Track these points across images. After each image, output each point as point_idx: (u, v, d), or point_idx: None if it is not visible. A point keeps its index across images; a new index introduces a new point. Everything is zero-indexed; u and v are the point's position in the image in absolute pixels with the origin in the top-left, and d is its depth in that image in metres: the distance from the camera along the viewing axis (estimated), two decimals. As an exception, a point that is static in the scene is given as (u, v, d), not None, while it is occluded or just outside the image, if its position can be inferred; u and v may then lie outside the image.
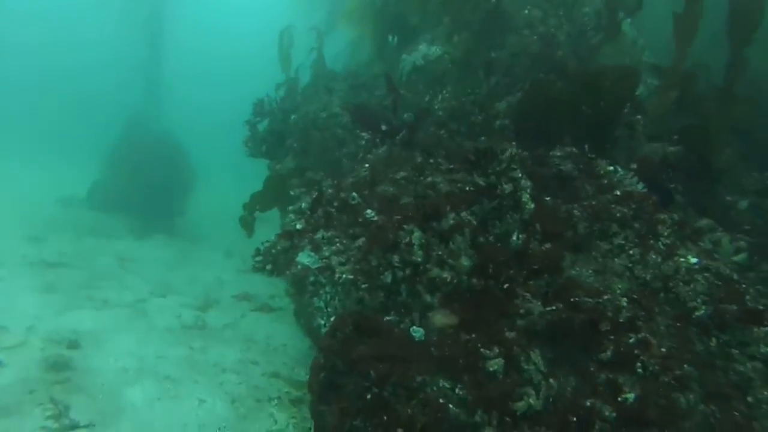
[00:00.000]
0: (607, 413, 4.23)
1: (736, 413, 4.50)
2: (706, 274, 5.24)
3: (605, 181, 5.91)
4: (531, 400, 4.14)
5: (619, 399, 4.39)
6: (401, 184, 5.89)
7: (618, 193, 5.79)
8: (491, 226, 5.11)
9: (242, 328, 9.75)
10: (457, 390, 4.26)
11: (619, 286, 5.17)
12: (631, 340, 4.69)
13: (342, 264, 5.05)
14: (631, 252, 5.35)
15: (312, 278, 5.42)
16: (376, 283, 4.82)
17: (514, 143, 5.93)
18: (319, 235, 5.46)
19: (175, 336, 8.89)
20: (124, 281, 10.91)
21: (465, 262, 4.67)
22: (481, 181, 5.15)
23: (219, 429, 6.52)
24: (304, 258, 5.51)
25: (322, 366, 4.53)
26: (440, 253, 4.75)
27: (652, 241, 5.51)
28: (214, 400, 7.07)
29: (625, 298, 4.99)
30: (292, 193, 8.41)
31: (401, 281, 4.81)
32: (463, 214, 4.94)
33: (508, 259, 4.87)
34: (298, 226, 5.83)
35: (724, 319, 5.09)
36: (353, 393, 4.24)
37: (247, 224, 8.60)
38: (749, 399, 4.62)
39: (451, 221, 4.88)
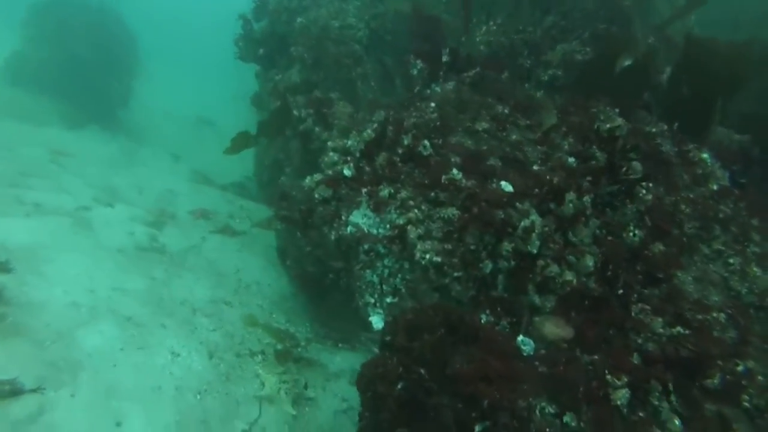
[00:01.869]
0: (727, 460, 3.46)
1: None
2: (802, 293, 4.52)
3: (699, 171, 4.95)
4: (661, 446, 3.25)
5: (730, 438, 3.63)
6: (481, 137, 4.55)
7: (715, 187, 4.87)
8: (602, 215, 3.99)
9: (206, 255, 8.17)
10: (572, 422, 3.27)
11: (715, 299, 4.34)
12: (739, 368, 3.90)
13: (421, 238, 3.74)
14: (730, 260, 4.50)
15: (367, 246, 4.07)
16: (472, 273, 3.59)
17: (618, 113, 4.75)
18: (384, 192, 4.07)
19: (131, 260, 7.19)
20: (59, 181, 8.78)
21: (588, 261, 3.55)
22: (602, 158, 3.96)
23: (199, 393, 5.22)
24: (360, 218, 4.13)
25: (399, 375, 3.33)
26: (559, 245, 3.58)
27: (745, 248, 4.71)
28: (189, 353, 5.68)
29: (722, 314, 4.17)
30: (296, 113, 6.75)
31: (500, 273, 3.62)
32: (585, 198, 3.76)
33: (624, 259, 3.82)
34: (347, 172, 4.36)
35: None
36: (453, 420, 3.11)
37: (241, 144, 6.87)
38: None
39: (572, 207, 3.69)
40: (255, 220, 10.16)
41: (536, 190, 3.69)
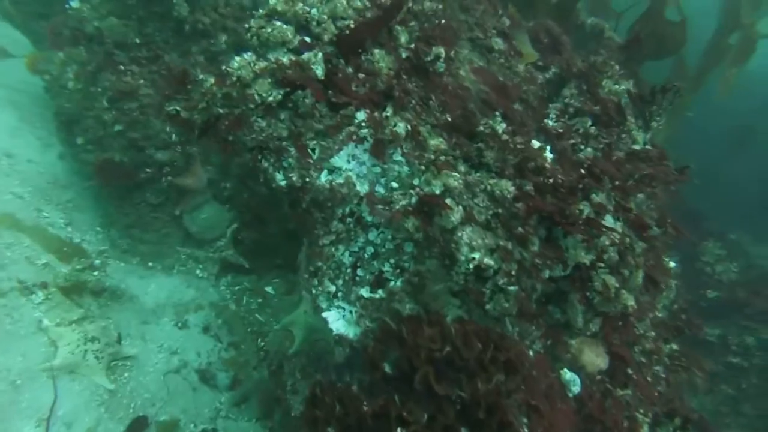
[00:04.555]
0: None
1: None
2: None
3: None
4: None
5: None
6: (494, 60, 3.10)
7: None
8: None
9: None
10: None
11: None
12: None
13: (463, 223, 2.32)
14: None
15: (349, 207, 2.41)
16: (526, 283, 2.39)
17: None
18: (398, 126, 2.39)
19: None
20: None
21: (639, 277, 2.73)
22: (641, 140, 3.04)
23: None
24: (346, 161, 2.39)
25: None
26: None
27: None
28: None
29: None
30: None
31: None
32: (640, 196, 2.84)
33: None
34: (318, 70, 2.45)
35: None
36: None
37: None
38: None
39: (634, 208, 2.74)
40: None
41: (606, 178, 2.58)
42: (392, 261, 2.50)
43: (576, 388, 2.48)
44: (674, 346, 3.17)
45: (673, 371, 2.97)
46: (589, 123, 3.19)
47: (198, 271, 5.10)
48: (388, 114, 2.41)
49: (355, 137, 2.33)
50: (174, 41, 4.73)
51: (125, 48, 4.53)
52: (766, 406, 5.51)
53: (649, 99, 2.98)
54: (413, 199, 2.35)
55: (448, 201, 2.28)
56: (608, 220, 2.48)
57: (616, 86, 3.33)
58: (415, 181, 2.37)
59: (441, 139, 2.37)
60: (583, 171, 2.56)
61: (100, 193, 4.91)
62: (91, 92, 4.46)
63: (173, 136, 4.76)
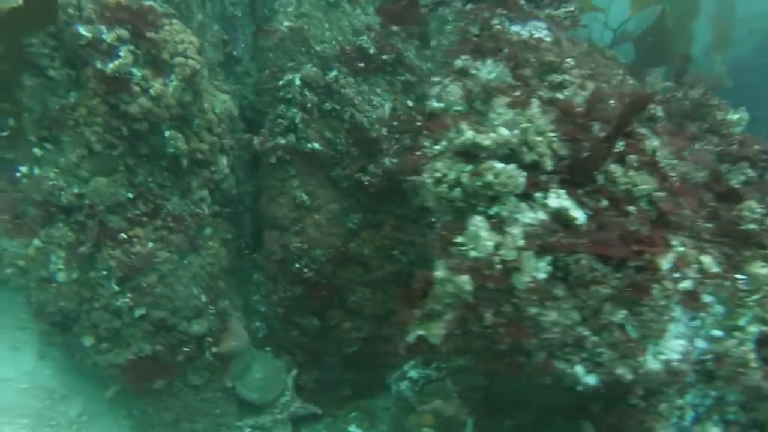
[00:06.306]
0: None
1: None
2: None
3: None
4: None
5: None
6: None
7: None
8: None
9: None
10: None
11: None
12: None
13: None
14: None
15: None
16: None
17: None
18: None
19: None
20: None
21: None
22: None
23: None
24: (680, 339, 1.80)
25: None
26: None
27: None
28: None
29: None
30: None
31: None
32: None
33: None
34: (579, 217, 1.84)
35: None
36: None
37: None
38: None
39: None
40: None
41: None
42: (715, 418, 1.96)
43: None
44: None
45: None
46: (747, 166, 2.91)
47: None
48: (680, 248, 1.87)
49: (678, 295, 1.75)
50: (170, 182, 3.69)
51: (118, 210, 3.44)
52: None
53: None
54: (749, 344, 1.83)
55: None
56: None
57: (731, 116, 3.10)
58: (741, 322, 1.85)
59: (760, 263, 1.87)
60: None
61: (122, 392, 3.72)
62: (91, 279, 3.32)
63: (202, 296, 3.74)
